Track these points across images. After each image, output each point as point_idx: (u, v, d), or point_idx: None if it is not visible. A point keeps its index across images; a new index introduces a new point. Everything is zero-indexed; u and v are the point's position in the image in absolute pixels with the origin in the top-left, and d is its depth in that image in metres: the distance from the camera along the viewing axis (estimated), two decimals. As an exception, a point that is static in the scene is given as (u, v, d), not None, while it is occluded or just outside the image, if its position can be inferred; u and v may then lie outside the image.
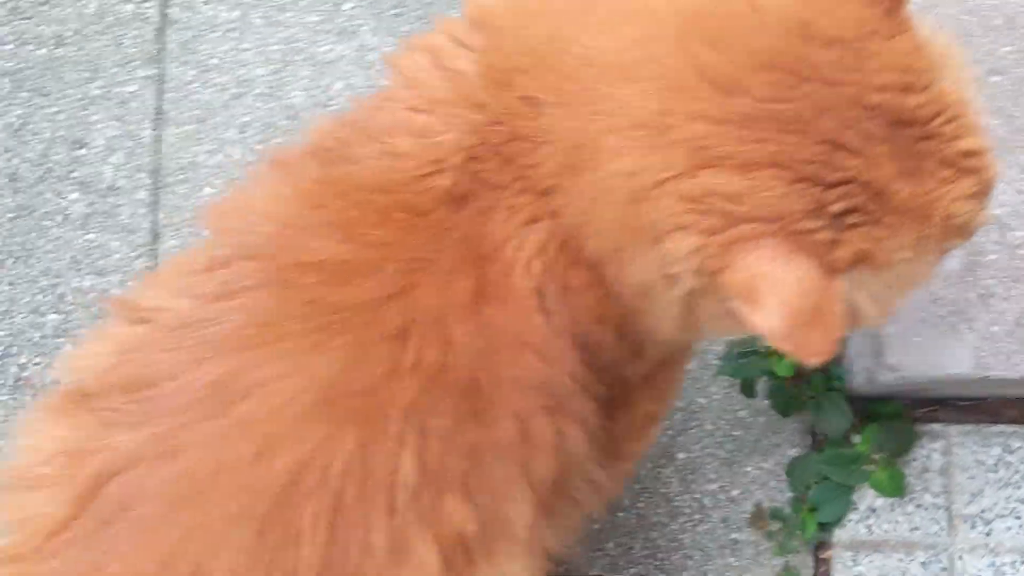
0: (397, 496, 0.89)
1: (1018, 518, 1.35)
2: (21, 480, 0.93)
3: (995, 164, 0.88)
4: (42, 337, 1.42)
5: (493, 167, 0.89)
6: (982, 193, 0.86)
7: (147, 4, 1.49)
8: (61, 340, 1.42)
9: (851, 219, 0.82)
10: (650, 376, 1.07)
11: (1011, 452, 1.37)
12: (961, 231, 0.87)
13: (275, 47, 1.48)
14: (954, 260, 1.24)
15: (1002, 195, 1.26)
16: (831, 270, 0.81)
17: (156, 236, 1.44)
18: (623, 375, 1.02)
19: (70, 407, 0.94)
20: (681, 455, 1.37)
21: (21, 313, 1.42)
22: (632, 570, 1.36)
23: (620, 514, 1.37)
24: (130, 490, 0.89)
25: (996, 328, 1.25)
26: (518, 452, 0.93)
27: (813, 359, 0.79)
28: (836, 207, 0.81)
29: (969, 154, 0.85)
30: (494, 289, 0.90)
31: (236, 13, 1.48)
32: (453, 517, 0.91)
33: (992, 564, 1.34)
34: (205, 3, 1.49)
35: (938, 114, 0.84)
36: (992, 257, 1.26)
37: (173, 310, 0.93)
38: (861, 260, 0.83)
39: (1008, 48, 1.30)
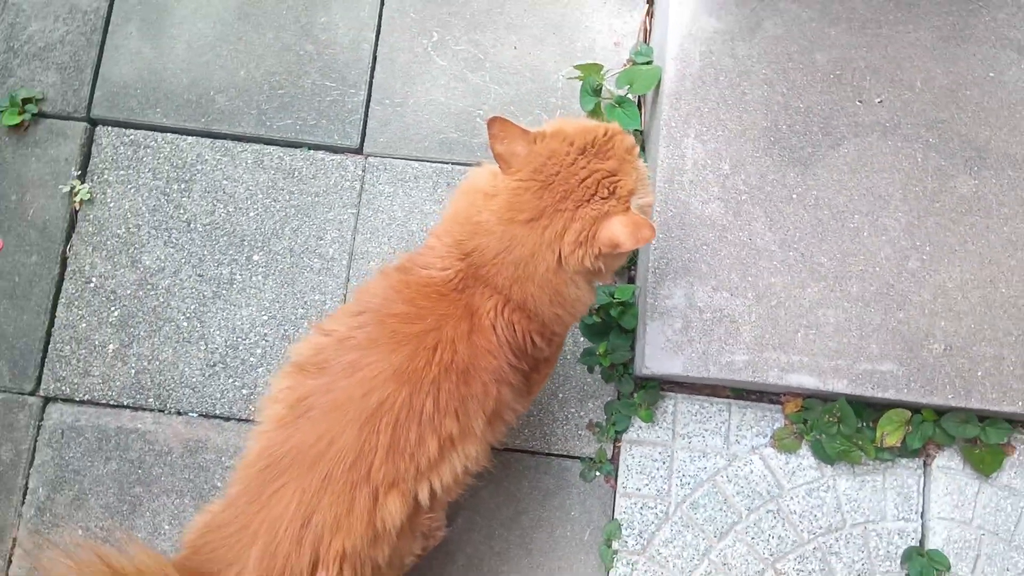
0: (422, 418, 1.02)
1: (702, 437, 1.56)
2: (270, 400, 1.08)
3: (613, 124, 1.04)
4: (298, 318, 1.61)
5: (472, 280, 1.06)
6: (619, 134, 1.03)
7: (355, 181, 1.67)
8: (304, 325, 1.60)
9: (612, 189, 1.00)
10: (547, 358, 1.21)
11: (703, 408, 1.58)
12: (633, 150, 1.04)
13: (402, 209, 1.66)
14: (679, 323, 1.46)
15: (695, 296, 1.47)
16: (625, 210, 1.01)
17: (347, 281, 1.62)
18: (536, 359, 1.16)
19: (292, 370, 1.08)
20: (560, 395, 1.58)
21: (288, 311, 1.61)
22: (534, 442, 1.55)
23: (531, 417, 1.57)
24: (311, 404, 1.02)
25: (692, 355, 1.45)
26: (481, 399, 1.06)
27: (652, 239, 0.97)
28: (603, 192, 1.00)
29: (606, 132, 1.01)
30: (477, 327, 1.05)
31: (391, 188, 1.67)
32: (449, 427, 1.04)
33: (690, 455, 1.55)
34: (379, 184, 1.67)
35: (589, 134, 1.01)
36: (695, 325, 1.45)
37: (338, 331, 1.07)
38: (631, 192, 1.01)
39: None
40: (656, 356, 1.46)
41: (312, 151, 1.70)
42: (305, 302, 1.62)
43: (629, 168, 1.02)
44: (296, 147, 1.70)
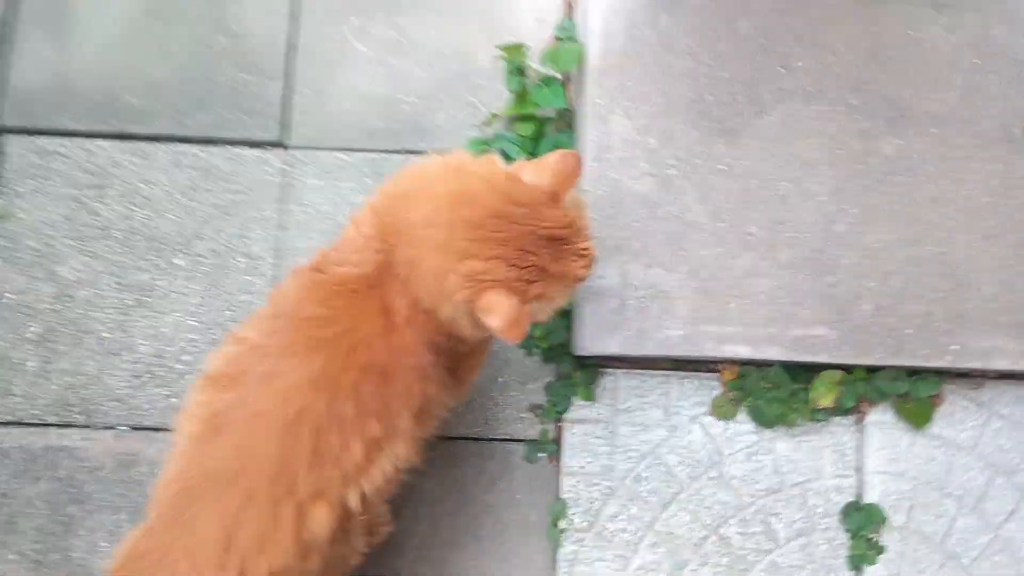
0: (344, 423, 0.94)
1: (643, 410, 1.46)
2: (185, 417, 0.99)
3: (595, 251, 0.96)
4: (225, 321, 1.47)
5: (386, 274, 0.97)
6: (589, 265, 0.95)
7: (278, 176, 1.50)
8: (232, 327, 1.43)
9: (533, 280, 0.91)
10: (473, 350, 1.11)
11: (643, 382, 1.47)
12: (581, 281, 0.97)
13: (329, 202, 1.51)
14: (614, 302, 1.34)
15: (628, 274, 1.36)
16: (524, 302, 0.90)
17: (275, 279, 1.48)
18: (459, 352, 1.06)
19: (206, 383, 1.00)
20: (500, 379, 1.44)
21: (214, 314, 1.46)
22: (476, 428, 1.44)
23: (472, 403, 1.44)
24: (227, 419, 0.95)
25: (629, 333, 1.35)
26: (404, 397, 0.98)
27: (513, 342, 0.90)
28: (526, 276, 0.90)
29: (583, 250, 0.94)
30: (392, 325, 0.97)
31: (316, 181, 1.51)
32: (372, 429, 0.96)
33: (632, 430, 1.46)
34: (304, 177, 1.51)
35: (572, 234, 0.92)
36: (630, 303, 1.34)
37: (251, 338, 0.99)
38: (538, 297, 0.92)
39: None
40: (593, 336, 1.36)
41: (232, 147, 1.53)
42: (232, 304, 1.48)
43: (562, 283, 0.93)
44: (214, 144, 1.53)
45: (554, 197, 0.92)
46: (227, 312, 1.48)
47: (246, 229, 1.51)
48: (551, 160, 0.91)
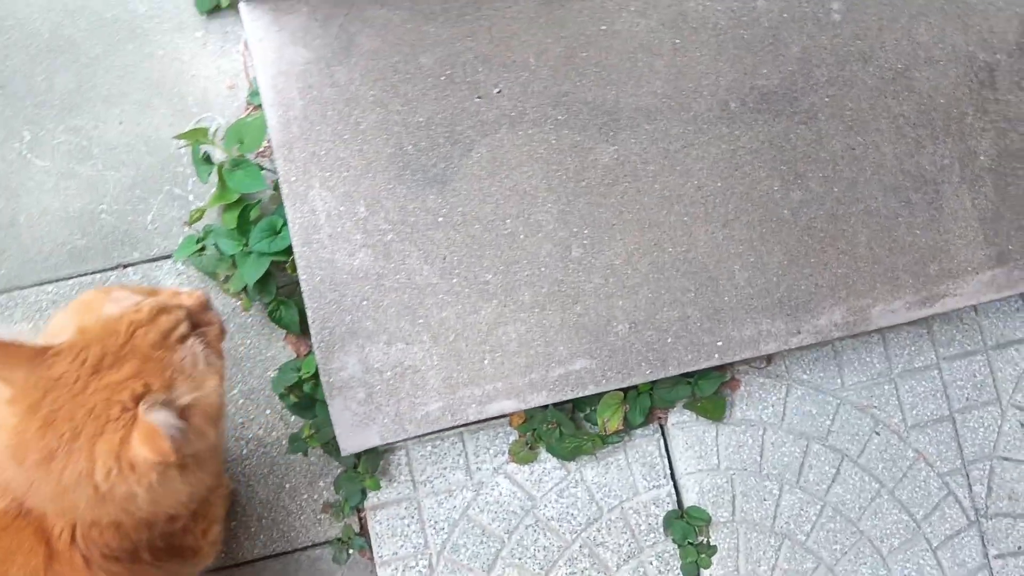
0: None
1: (443, 477, 1.45)
2: None
3: (141, 381, 0.84)
4: None
5: (24, 506, 0.89)
6: (135, 398, 0.84)
7: None
8: None
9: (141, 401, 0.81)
10: (194, 514, 1.04)
11: (436, 448, 1.50)
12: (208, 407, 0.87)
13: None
14: (361, 392, 1.33)
15: (369, 358, 1.32)
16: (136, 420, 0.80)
17: None
18: (172, 530, 1.00)
19: None
20: (287, 485, 1.45)
21: None
22: (274, 544, 1.43)
23: (263, 520, 1.42)
24: None
25: (385, 421, 1.33)
26: None
27: (162, 451, 0.80)
28: (130, 405, 0.82)
29: (119, 384, 0.83)
30: (55, 552, 0.91)
31: (29, 325, 1.42)
32: None
33: (437, 500, 1.46)
34: (15, 323, 1.44)
35: (105, 363, 0.83)
36: (378, 388, 1.31)
37: None
38: (141, 398, 0.83)
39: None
40: (348, 435, 1.33)
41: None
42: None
43: (156, 365, 0.85)
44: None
45: (48, 355, 0.82)
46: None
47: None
48: None
